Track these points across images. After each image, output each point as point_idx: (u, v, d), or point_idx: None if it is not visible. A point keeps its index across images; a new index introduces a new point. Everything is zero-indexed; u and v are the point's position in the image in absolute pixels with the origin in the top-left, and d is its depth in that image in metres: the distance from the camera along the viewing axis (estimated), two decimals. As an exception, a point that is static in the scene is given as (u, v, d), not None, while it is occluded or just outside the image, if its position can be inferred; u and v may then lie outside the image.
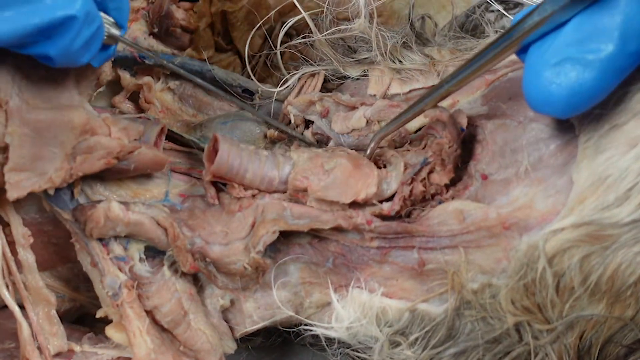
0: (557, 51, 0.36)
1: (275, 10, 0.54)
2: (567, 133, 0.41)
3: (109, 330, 0.45)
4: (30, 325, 0.43)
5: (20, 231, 0.43)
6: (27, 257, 0.43)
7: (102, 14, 0.41)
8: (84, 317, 0.52)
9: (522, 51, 0.38)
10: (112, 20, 0.42)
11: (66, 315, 0.50)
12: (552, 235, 0.40)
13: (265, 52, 0.55)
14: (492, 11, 0.52)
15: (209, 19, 0.57)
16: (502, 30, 0.50)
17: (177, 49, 0.54)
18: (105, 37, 0.41)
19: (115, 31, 0.42)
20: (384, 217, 0.45)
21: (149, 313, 0.46)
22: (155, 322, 0.46)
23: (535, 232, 0.40)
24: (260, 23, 0.52)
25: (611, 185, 0.38)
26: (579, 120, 0.41)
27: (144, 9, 0.53)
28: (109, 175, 0.45)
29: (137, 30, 0.52)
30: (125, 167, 0.44)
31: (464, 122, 0.44)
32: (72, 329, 0.47)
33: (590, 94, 0.35)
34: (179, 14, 0.52)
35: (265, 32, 0.58)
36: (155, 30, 0.53)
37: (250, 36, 0.53)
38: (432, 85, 0.43)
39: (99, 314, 0.45)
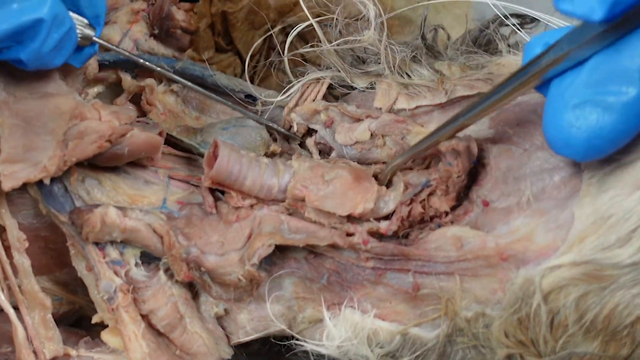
0: (577, 92, 0.34)
1: (282, 16, 0.53)
2: (572, 166, 0.40)
3: (105, 335, 0.46)
4: (25, 329, 0.43)
5: (15, 235, 0.43)
6: (23, 261, 0.43)
7: (74, 15, 0.41)
8: (82, 319, 0.52)
9: (543, 85, 0.37)
10: (85, 21, 0.42)
11: (64, 318, 0.51)
12: (549, 271, 0.39)
13: (270, 59, 0.54)
14: (508, 25, 0.50)
15: (209, 19, 0.57)
16: (515, 48, 0.49)
17: (177, 50, 0.53)
18: (79, 39, 0.41)
19: (89, 32, 0.42)
20: (380, 236, 0.44)
21: (144, 317, 0.46)
22: (151, 326, 0.46)
23: (532, 267, 0.40)
24: (271, 31, 0.51)
25: (613, 225, 0.37)
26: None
27: (144, 10, 0.52)
28: (102, 161, 0.45)
29: (138, 32, 0.52)
30: (119, 151, 0.44)
31: (475, 151, 0.43)
32: (69, 332, 0.48)
33: (611, 137, 0.34)
34: (180, 15, 0.52)
35: (272, 33, 0.57)
36: (156, 31, 0.53)
37: (255, 45, 0.52)
38: (448, 119, 0.42)
39: (95, 319, 0.46)
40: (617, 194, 0.37)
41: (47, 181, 0.43)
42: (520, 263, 0.40)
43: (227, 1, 0.58)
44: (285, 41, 0.51)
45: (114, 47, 0.47)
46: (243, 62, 0.61)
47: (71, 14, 0.41)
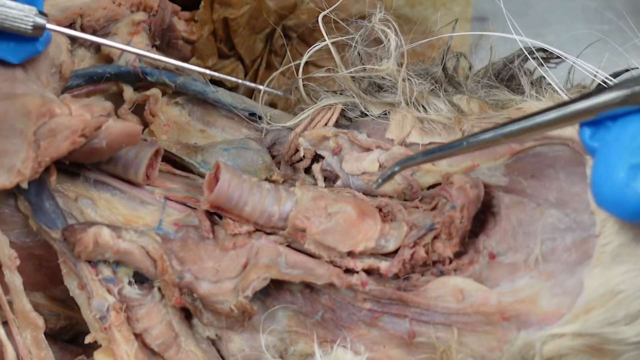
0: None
1: (283, 19, 0.51)
2: (585, 229, 0.38)
3: (98, 355, 0.44)
4: (16, 348, 0.42)
5: (6, 253, 0.41)
6: (14, 279, 0.42)
7: (22, 5, 0.40)
8: (79, 335, 0.51)
9: (591, 125, 0.34)
10: (36, 9, 0.40)
11: (62, 333, 0.50)
12: (551, 338, 0.38)
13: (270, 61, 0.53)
14: (535, 58, 0.48)
15: (211, 26, 0.55)
16: (538, 84, 0.47)
17: (179, 61, 0.51)
18: (31, 29, 0.40)
19: (40, 20, 0.40)
20: (380, 274, 0.43)
21: (138, 336, 0.45)
22: (144, 345, 0.45)
23: (534, 331, 0.38)
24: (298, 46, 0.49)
25: (622, 301, 0.36)
26: (604, 219, 0.38)
27: (145, 22, 0.50)
28: (82, 158, 0.43)
29: (139, 43, 0.50)
30: (98, 145, 0.42)
31: (481, 197, 0.41)
32: (64, 350, 0.47)
33: None
34: (181, 25, 0.50)
35: (274, 34, 0.55)
36: (157, 42, 0.51)
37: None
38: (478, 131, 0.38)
39: (88, 339, 0.44)
40: (630, 269, 0.36)
41: (24, 185, 0.41)
42: (521, 325, 0.39)
43: (228, 7, 0.57)
44: (286, 43, 0.49)
45: (69, 32, 0.44)
46: (246, 67, 0.60)
47: (19, 5, 0.39)
